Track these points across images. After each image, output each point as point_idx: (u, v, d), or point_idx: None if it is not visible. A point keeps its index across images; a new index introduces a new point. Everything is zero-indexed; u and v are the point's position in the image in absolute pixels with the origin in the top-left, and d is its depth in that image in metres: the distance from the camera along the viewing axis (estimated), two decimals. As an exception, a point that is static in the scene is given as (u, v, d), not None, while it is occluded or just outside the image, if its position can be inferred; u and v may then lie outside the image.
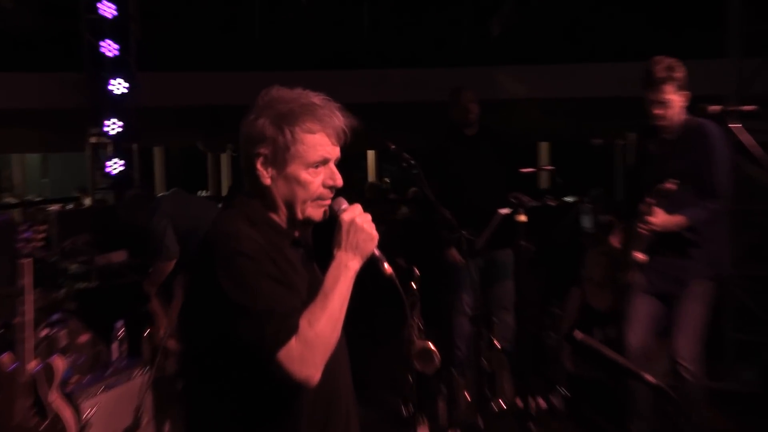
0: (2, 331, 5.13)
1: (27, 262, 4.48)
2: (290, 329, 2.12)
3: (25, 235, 4.54)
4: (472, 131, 6.09)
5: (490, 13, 12.87)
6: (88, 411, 4.68)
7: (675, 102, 4.45)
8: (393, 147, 4.80)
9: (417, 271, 5.15)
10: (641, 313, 4.71)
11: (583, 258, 6.60)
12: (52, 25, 9.73)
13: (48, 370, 4.42)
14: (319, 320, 2.16)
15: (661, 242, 4.45)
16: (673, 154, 4.51)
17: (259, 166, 2.29)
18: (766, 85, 6.11)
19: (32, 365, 4.42)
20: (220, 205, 2.53)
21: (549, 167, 5.36)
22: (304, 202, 2.31)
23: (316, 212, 2.33)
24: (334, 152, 2.34)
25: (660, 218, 4.34)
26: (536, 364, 5.80)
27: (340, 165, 2.38)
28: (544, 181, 12.11)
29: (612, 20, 13.46)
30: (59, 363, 4.46)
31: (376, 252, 2.32)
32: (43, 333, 5.17)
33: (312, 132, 2.29)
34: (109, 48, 8.42)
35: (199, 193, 12.13)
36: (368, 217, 2.31)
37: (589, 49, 12.41)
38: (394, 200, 12.50)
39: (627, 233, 4.72)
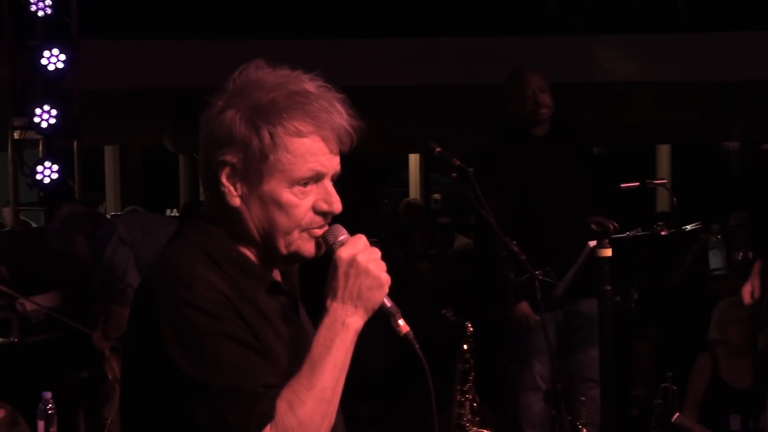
0: None
1: None
2: (263, 415, 2.09)
3: None
4: (542, 130, 6.12)
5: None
6: None
7: None
8: (438, 150, 4.89)
9: (470, 328, 5.26)
10: None
11: (711, 313, 6.66)
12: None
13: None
14: (305, 402, 2.12)
15: None
16: None
17: (224, 179, 2.20)
18: None
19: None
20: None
21: (660, 181, 5.42)
22: (288, 233, 2.24)
23: (305, 246, 2.26)
24: (332, 164, 2.25)
25: None
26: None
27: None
28: (662, 202, 12.13)
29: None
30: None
31: (387, 303, 2.25)
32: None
33: (301, 135, 2.19)
34: (41, 6, 8.57)
35: (167, 212, 12.25)
36: (376, 253, 2.23)
37: (729, 13, 12.44)
38: (445, 226, 12.51)
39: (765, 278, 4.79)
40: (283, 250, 2.24)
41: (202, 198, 2.47)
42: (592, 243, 5.01)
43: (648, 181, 5.44)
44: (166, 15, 10.66)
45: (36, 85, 8.66)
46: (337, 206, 2.25)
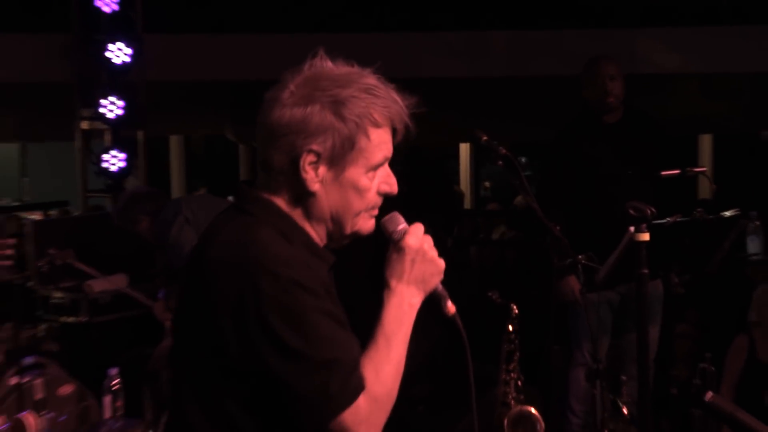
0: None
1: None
2: (357, 386, 2.23)
3: (-13, 251, 4.77)
4: (613, 117, 6.13)
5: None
6: (71, 486, 4.90)
7: None
8: (485, 138, 4.91)
9: (515, 310, 5.28)
10: None
11: (749, 296, 6.63)
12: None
13: (17, 430, 4.64)
14: (387, 372, 2.30)
15: None
16: None
17: (307, 166, 2.31)
18: None
19: (-2, 422, 4.65)
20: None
21: (701, 168, 5.41)
22: (357, 214, 2.39)
23: (367, 224, 2.44)
24: (391, 150, 2.41)
25: None
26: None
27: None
28: (703, 190, 12.07)
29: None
30: (32, 421, 4.67)
31: (439, 286, 2.44)
32: (13, 381, 5.40)
33: (378, 125, 2.34)
34: (107, 2, 8.61)
35: (230, 197, 12.32)
36: (431, 241, 2.41)
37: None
38: (492, 212, 12.54)
39: None
40: (348, 230, 2.40)
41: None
42: (633, 228, 5.03)
43: (689, 168, 5.43)
44: (225, 10, 10.70)
45: (102, 78, 8.69)
46: (396, 187, 2.42)
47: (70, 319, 6.82)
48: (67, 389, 5.90)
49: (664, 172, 5.42)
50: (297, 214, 2.37)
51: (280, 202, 2.37)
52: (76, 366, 6.22)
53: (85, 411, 5.95)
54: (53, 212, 9.67)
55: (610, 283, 5.58)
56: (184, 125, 12.68)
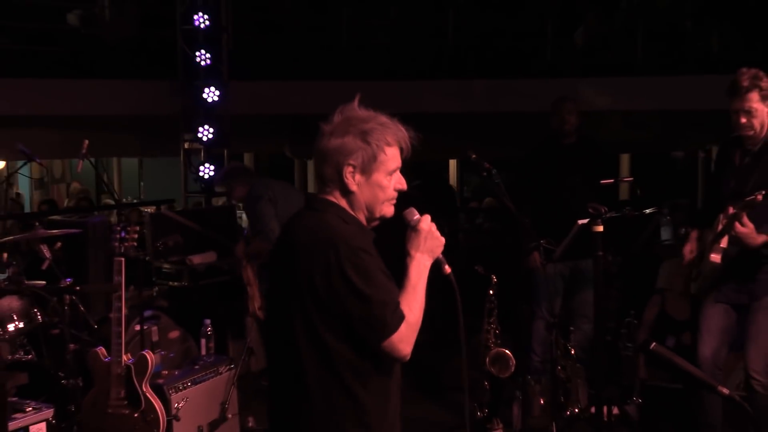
0: (96, 327, 5.35)
1: (120, 261, 4.68)
2: (401, 317, 2.52)
3: (120, 235, 4.74)
4: (569, 140, 6.13)
5: (574, 24, 12.80)
6: (178, 404, 4.85)
7: (760, 111, 4.41)
8: (474, 156, 4.86)
9: (495, 279, 5.22)
10: (713, 324, 4.68)
11: (659, 269, 6.57)
12: (149, 35, 9.98)
13: (141, 363, 4.61)
14: (414, 308, 2.57)
15: (738, 253, 4.42)
16: (756, 167, 4.47)
17: (348, 174, 2.62)
18: None
19: (126, 358, 4.61)
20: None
21: (628, 179, 5.35)
22: (382, 203, 2.68)
23: (388, 210, 2.70)
24: (400, 162, 2.70)
25: (748, 230, 4.29)
26: (611, 372, 5.78)
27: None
28: (623, 193, 12.01)
29: (699, 32, 13.25)
30: (151, 357, 4.64)
31: (440, 255, 2.71)
32: (136, 328, 5.37)
33: (390, 145, 2.64)
34: (203, 57, 8.59)
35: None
36: (435, 226, 2.70)
37: (674, 61, 12.23)
38: (473, 209, 12.59)
39: (702, 242, 4.70)
40: (377, 214, 2.69)
41: (315, 188, 2.75)
42: (581, 221, 4.96)
43: (620, 178, 5.39)
44: (286, 63, 10.67)
45: (199, 112, 8.71)
46: (405, 185, 2.70)
47: (176, 284, 6.77)
48: (174, 334, 5.88)
49: (603, 181, 5.38)
50: (346, 206, 2.66)
51: (334, 200, 2.66)
52: (180, 318, 6.19)
53: (188, 350, 5.92)
54: (164, 207, 9.63)
55: (562, 258, 5.54)
56: (255, 145, 12.64)
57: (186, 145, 8.90)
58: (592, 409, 5.52)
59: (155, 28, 10.02)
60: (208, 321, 5.52)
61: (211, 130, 8.59)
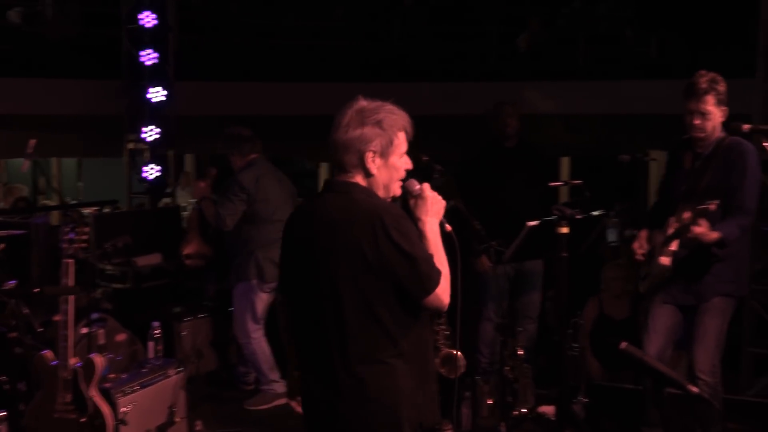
0: (41, 330, 5.23)
1: (70, 263, 4.57)
2: (440, 272, 2.82)
3: (69, 236, 4.63)
4: (510, 144, 6.15)
5: (518, 29, 12.91)
6: (125, 408, 4.75)
7: (714, 115, 4.47)
8: (425, 158, 4.85)
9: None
10: (660, 323, 4.74)
11: (601, 270, 6.64)
12: (93, 34, 9.82)
13: (88, 367, 4.51)
14: (443, 264, 2.87)
15: (687, 256, 4.49)
16: (707, 170, 4.53)
17: (369, 159, 2.86)
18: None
19: (73, 361, 4.51)
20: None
21: (577, 181, 5.40)
22: (395, 182, 2.94)
23: (398, 189, 2.97)
24: (407, 145, 2.96)
25: (703, 229, 4.36)
26: (558, 372, 5.82)
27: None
28: (564, 195, 12.11)
29: (639, 38, 13.46)
30: (98, 360, 4.54)
31: (441, 217, 3.00)
32: (83, 331, 5.26)
33: (400, 130, 2.91)
34: (149, 57, 8.50)
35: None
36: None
37: (617, 66, 12.41)
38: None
39: (651, 242, 4.76)
40: (392, 193, 2.95)
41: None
42: (531, 223, 4.99)
43: (568, 180, 5.43)
44: (232, 64, 10.60)
45: (144, 112, 8.59)
46: (410, 165, 2.96)
47: (120, 286, 6.65)
48: (121, 337, 5.78)
49: (551, 183, 5.41)
50: (369, 186, 2.91)
51: (359, 181, 2.90)
52: (127, 320, 6.09)
53: (135, 353, 5.82)
54: (107, 208, 9.47)
55: (510, 260, 5.57)
56: (201, 146, 12.50)
57: (130, 146, 8.77)
58: (540, 409, 5.62)
59: (99, 27, 9.87)
60: (156, 323, 5.43)
61: (157, 130, 8.48)
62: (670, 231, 4.49)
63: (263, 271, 5.93)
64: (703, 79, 4.43)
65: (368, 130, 2.85)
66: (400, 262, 2.76)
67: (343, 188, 2.90)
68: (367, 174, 2.89)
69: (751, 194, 4.49)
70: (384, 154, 2.88)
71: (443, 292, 2.82)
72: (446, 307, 2.86)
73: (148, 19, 8.45)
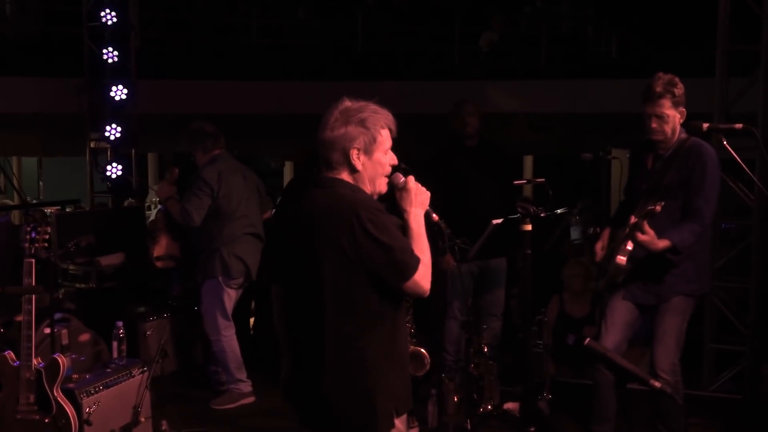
0: (2, 331, 5.17)
1: (31, 262, 4.52)
2: (418, 259, 2.97)
3: (30, 236, 4.58)
4: (471, 142, 6.15)
5: (480, 29, 12.98)
6: (89, 408, 4.71)
7: (671, 117, 4.51)
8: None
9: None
10: (618, 319, 4.77)
11: (562, 268, 6.71)
12: (54, 32, 9.74)
13: (52, 367, 4.46)
14: (424, 251, 3.02)
15: (646, 256, 4.53)
16: (667, 170, 4.57)
17: (353, 156, 3.01)
18: (749, 105, 6.20)
19: (36, 362, 4.46)
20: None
21: (540, 179, 5.43)
22: (380, 177, 3.08)
23: (384, 185, 3.11)
24: (391, 142, 3.10)
25: (648, 238, 4.40)
26: (522, 369, 5.86)
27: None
28: (528, 193, 12.20)
29: (601, 37, 13.59)
30: (63, 361, 4.50)
31: (428, 206, 3.15)
32: (46, 331, 5.20)
33: (384, 127, 3.05)
34: (110, 55, 8.39)
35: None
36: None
37: (579, 65, 12.53)
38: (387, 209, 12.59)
39: (612, 241, 4.80)
40: (378, 188, 3.09)
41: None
42: (496, 221, 5.02)
43: (531, 179, 5.45)
44: (195, 63, 10.56)
45: (106, 110, 8.47)
46: (396, 161, 3.10)
47: (83, 286, 6.58)
48: (85, 337, 5.71)
49: (516, 181, 5.43)
50: (354, 182, 3.05)
51: (341, 176, 3.05)
52: (90, 320, 6.03)
53: (99, 353, 5.76)
54: (69, 207, 9.37)
55: (474, 258, 5.59)
56: (163, 145, 12.44)
57: (92, 144, 8.67)
58: (505, 406, 5.65)
59: (60, 25, 9.77)
60: (120, 323, 5.38)
61: (119, 129, 8.39)
62: (626, 231, 4.54)
63: (228, 267, 5.90)
64: (659, 82, 4.45)
65: (352, 129, 3.00)
66: (377, 252, 2.91)
67: (328, 184, 3.06)
68: (353, 170, 3.04)
69: (709, 200, 4.52)
70: (368, 150, 3.02)
71: (422, 278, 2.97)
72: (427, 292, 3.01)
73: (109, 16, 8.36)
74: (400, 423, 3.14)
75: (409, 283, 2.96)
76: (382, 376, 3.03)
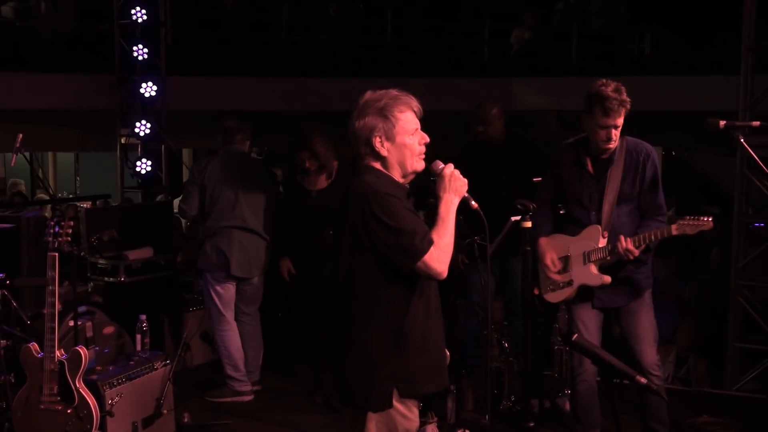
0: (29, 323, 5.27)
1: (54, 256, 4.61)
2: (430, 240, 3.06)
3: (54, 230, 4.67)
4: (497, 141, 6.15)
5: (511, 25, 12.94)
6: (112, 399, 4.79)
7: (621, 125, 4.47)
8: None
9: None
10: (592, 330, 4.67)
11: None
12: (86, 29, 9.85)
13: (74, 359, 4.55)
14: (444, 235, 3.11)
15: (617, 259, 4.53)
16: (617, 175, 4.53)
17: (377, 144, 3.17)
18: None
19: (59, 353, 4.55)
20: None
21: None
22: (411, 158, 3.20)
23: (419, 164, 3.23)
24: (419, 123, 3.22)
25: (635, 250, 4.40)
26: (542, 366, 5.86)
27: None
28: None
29: (634, 34, 13.49)
30: (84, 353, 4.58)
31: (466, 194, 3.23)
32: (70, 324, 5.30)
33: (403, 111, 3.18)
34: (140, 52, 8.49)
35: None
36: (458, 171, 3.22)
37: (610, 63, 12.44)
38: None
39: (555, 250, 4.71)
40: (410, 169, 3.23)
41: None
42: (514, 218, 5.01)
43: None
44: (225, 59, 10.64)
45: (136, 107, 8.58)
46: (427, 139, 3.22)
47: (111, 279, 6.68)
48: (109, 330, 5.81)
49: (535, 179, 5.41)
50: (381, 168, 3.21)
51: (372, 164, 3.22)
52: (115, 313, 6.13)
53: (123, 346, 5.86)
54: (99, 202, 9.50)
55: (494, 255, 5.58)
56: (193, 141, 12.53)
57: (123, 140, 8.78)
58: (524, 403, 5.65)
59: (92, 22, 9.89)
60: (143, 316, 5.46)
61: (149, 125, 8.48)
62: (602, 243, 4.51)
63: (209, 260, 5.99)
64: (615, 95, 4.33)
65: (370, 119, 3.17)
66: (385, 234, 3.06)
67: (360, 170, 3.25)
68: (378, 157, 3.20)
69: (662, 195, 4.59)
70: (389, 136, 3.17)
71: (434, 261, 3.05)
72: (442, 275, 3.09)
73: (140, 14, 8.46)
74: (402, 406, 3.20)
75: (420, 264, 3.05)
76: (387, 357, 3.14)
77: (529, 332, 4.52)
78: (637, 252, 4.39)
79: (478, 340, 6.03)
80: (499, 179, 5.96)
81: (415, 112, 3.21)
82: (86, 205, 9.28)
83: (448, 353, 5.01)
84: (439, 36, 12.42)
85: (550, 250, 4.69)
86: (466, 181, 3.22)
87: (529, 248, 4.15)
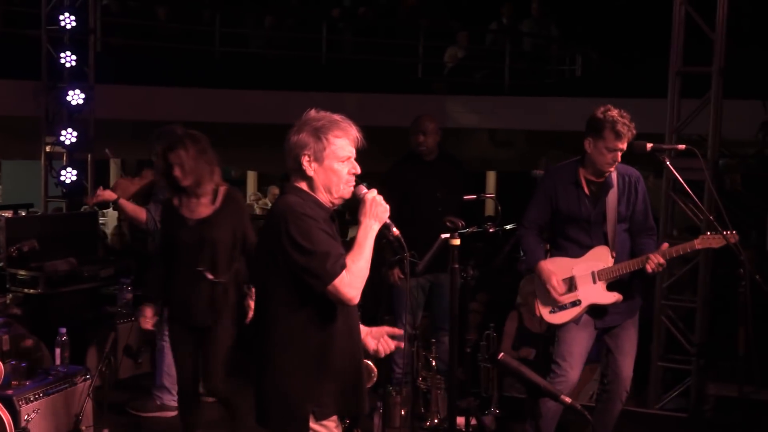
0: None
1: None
2: (342, 264, 3.02)
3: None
4: (430, 157, 6.16)
5: (445, 43, 13.04)
6: (27, 415, 4.66)
7: None
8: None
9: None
10: (583, 349, 4.76)
11: (518, 285, 6.73)
12: (12, 34, 9.65)
13: (-12, 373, 4.40)
14: (359, 260, 3.06)
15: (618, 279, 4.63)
16: (612, 197, 4.64)
17: (305, 162, 3.14)
18: (700, 126, 6.28)
19: (-28, 367, 4.40)
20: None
21: (490, 195, 5.45)
22: (337, 185, 3.17)
23: (347, 192, 3.19)
24: (353, 152, 3.19)
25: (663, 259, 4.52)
26: (470, 383, 5.86)
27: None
28: (490, 209, 12.26)
29: (566, 56, 13.71)
30: (0, 366, 4.44)
31: (387, 220, 3.18)
32: (-13, 337, 5.14)
33: (339, 137, 3.15)
34: (68, 59, 8.34)
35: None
36: (381, 197, 3.17)
37: (540, 82, 12.63)
38: (348, 221, 12.56)
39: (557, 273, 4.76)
40: (336, 194, 3.19)
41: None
42: (444, 235, 5.00)
43: (482, 194, 5.45)
44: (154, 69, 10.51)
45: (62, 114, 8.43)
46: (359, 170, 3.19)
47: (31, 291, 6.50)
48: (27, 343, 5.64)
49: (465, 197, 5.43)
50: (307, 188, 3.18)
51: (298, 184, 3.19)
52: (34, 325, 5.96)
53: (41, 359, 5.69)
54: (22, 211, 9.27)
55: (424, 272, 5.58)
56: (121, 151, 12.32)
57: (47, 149, 8.59)
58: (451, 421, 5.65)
59: (19, 27, 9.69)
60: (63, 329, 5.32)
61: (75, 133, 8.32)
62: (611, 263, 4.60)
63: None
64: (624, 120, 4.43)
65: (303, 136, 3.13)
66: (297, 256, 3.03)
67: (286, 190, 3.23)
68: (305, 176, 3.17)
69: (651, 215, 4.76)
70: (318, 158, 3.14)
71: (344, 285, 3.01)
72: (352, 300, 3.06)
73: (68, 20, 8.30)
74: (319, 427, 3.18)
75: (330, 288, 3.02)
76: (302, 381, 3.13)
77: (456, 349, 4.51)
78: (665, 264, 4.51)
79: (407, 356, 6.02)
80: (432, 195, 5.98)
81: (351, 141, 3.17)
82: (7, 214, 9.03)
83: (376, 370, 5.01)
84: (373, 52, 12.44)
85: (554, 272, 4.74)
86: (387, 207, 3.18)
87: (457, 265, 4.16)
